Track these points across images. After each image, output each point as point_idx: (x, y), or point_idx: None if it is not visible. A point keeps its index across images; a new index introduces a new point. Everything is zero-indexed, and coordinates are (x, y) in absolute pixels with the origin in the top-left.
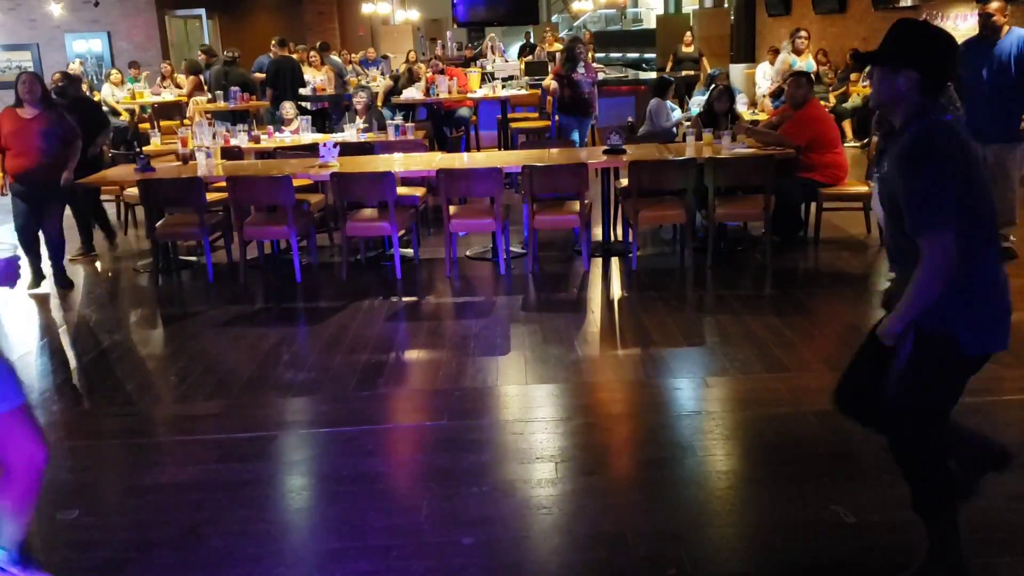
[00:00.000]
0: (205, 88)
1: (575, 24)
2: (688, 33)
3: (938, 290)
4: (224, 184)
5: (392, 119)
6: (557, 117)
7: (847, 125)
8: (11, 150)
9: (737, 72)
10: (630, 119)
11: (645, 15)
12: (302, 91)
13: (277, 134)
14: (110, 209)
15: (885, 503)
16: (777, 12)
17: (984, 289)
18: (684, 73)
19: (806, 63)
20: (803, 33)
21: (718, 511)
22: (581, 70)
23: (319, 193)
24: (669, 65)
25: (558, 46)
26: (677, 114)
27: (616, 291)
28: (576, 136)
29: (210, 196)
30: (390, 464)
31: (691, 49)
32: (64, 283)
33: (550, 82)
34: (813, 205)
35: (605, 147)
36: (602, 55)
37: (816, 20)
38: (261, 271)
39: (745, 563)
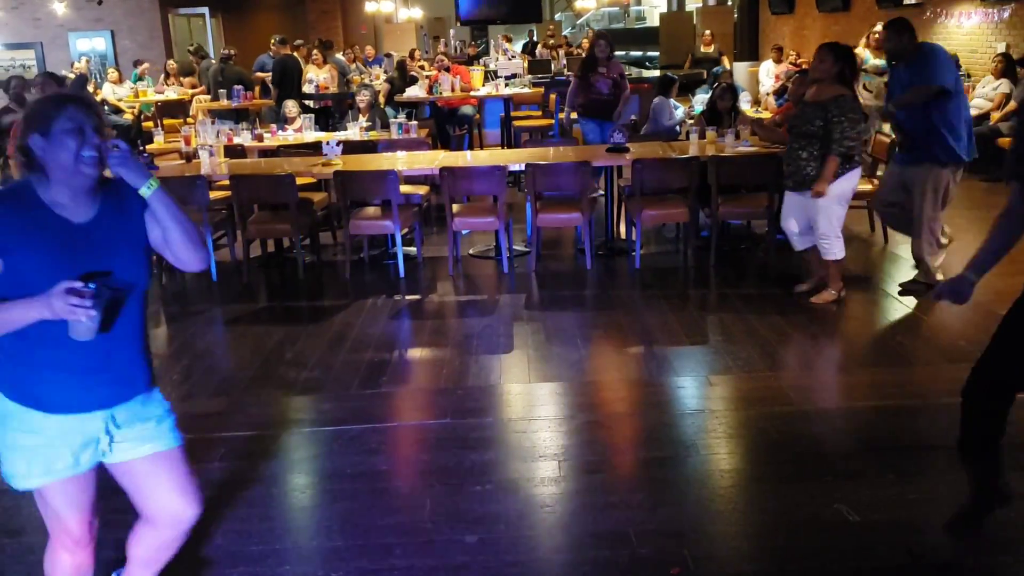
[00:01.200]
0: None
1: (578, 22)
2: (708, 32)
3: None
4: (227, 182)
5: (395, 117)
6: (574, 117)
7: None
8: None
9: (740, 70)
10: (634, 117)
11: (648, 13)
12: (305, 89)
13: (280, 132)
14: None
15: (888, 501)
16: (780, 10)
17: None
18: (698, 71)
19: (883, 61)
20: (879, 29)
21: (721, 510)
22: (602, 70)
23: (322, 191)
24: (687, 65)
25: (507, 47)
26: (680, 112)
27: (619, 289)
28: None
29: (213, 195)
30: (393, 462)
31: (711, 49)
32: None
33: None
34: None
35: (608, 145)
36: None
37: (820, 18)
38: (264, 269)
39: (748, 561)
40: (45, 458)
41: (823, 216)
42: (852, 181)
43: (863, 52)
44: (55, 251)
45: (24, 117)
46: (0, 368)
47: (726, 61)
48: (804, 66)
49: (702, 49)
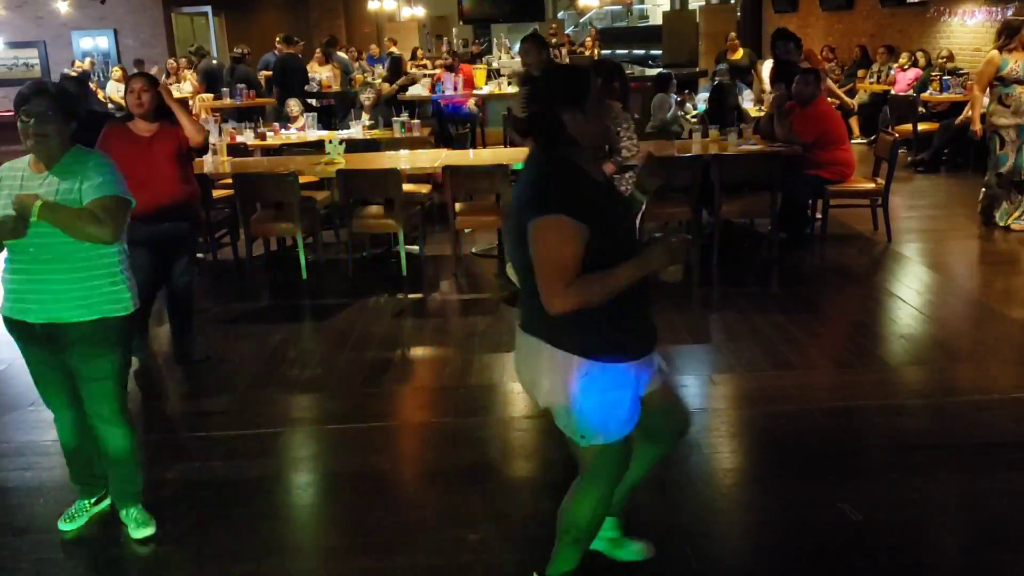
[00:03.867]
0: (202, 85)
1: (581, 20)
2: (732, 36)
3: None
4: (230, 181)
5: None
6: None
7: (854, 122)
8: (128, 181)
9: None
10: (637, 115)
11: (651, 11)
12: (308, 88)
13: (283, 131)
14: None
15: (891, 501)
16: (783, 8)
17: None
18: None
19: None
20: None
21: (724, 508)
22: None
23: (325, 190)
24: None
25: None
26: (675, 109)
27: None
28: None
29: (216, 193)
30: (395, 461)
31: (739, 55)
32: (197, 354)
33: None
34: (820, 202)
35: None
36: (608, 52)
37: (823, 16)
38: (267, 268)
39: (751, 560)
40: (633, 405)
41: None
42: None
43: (997, 57)
44: None
45: None
46: (587, 331)
47: (760, 69)
48: (807, 65)
49: (729, 56)
